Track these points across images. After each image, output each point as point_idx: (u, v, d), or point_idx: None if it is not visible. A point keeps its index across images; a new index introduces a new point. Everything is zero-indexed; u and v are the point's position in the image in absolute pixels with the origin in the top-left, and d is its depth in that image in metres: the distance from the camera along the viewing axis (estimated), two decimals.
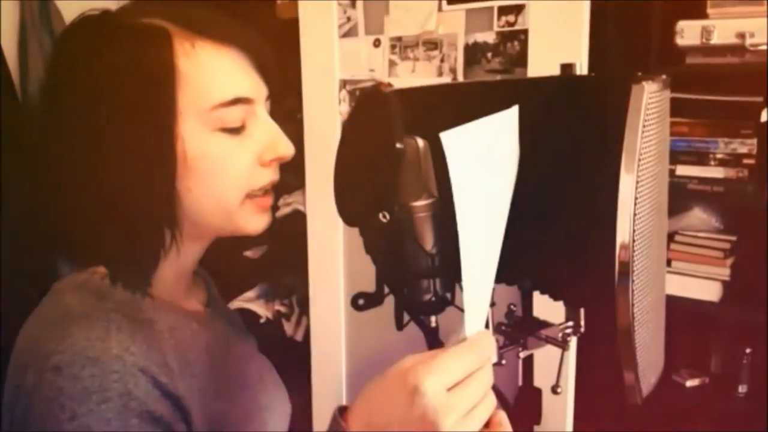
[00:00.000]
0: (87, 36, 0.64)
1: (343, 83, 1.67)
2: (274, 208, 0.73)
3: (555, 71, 0.61)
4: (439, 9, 1.51)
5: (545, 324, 0.65)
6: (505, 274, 0.58)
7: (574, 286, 0.58)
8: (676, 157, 1.55)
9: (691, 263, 1.58)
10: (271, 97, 0.70)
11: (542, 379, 0.68)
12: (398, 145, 0.55)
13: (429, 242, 0.57)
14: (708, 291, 1.58)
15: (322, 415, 1.75)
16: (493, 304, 0.58)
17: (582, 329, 0.61)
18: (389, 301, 0.63)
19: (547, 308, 0.65)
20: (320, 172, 1.68)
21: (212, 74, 0.64)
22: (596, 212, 0.53)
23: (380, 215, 0.56)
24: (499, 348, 0.60)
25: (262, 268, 2.08)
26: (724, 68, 1.50)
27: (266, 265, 2.07)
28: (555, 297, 0.61)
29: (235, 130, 0.65)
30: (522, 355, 0.64)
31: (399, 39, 1.58)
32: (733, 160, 1.52)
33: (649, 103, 0.50)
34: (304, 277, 1.83)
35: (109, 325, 0.62)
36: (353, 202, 0.61)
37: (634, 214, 0.50)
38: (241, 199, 0.67)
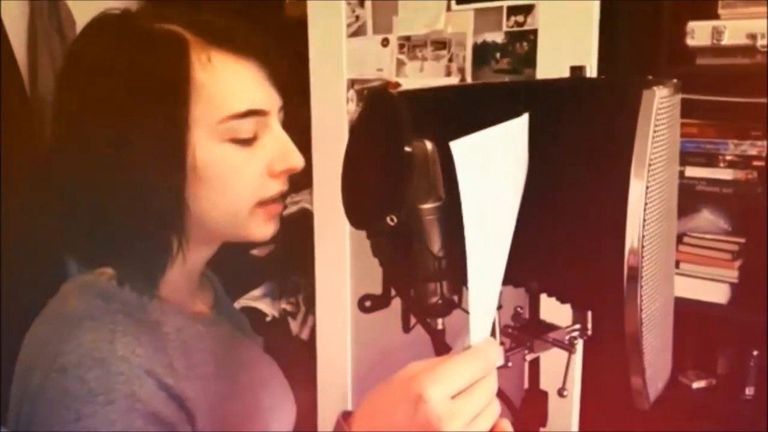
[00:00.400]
0: (105, 38, 0.64)
1: (351, 83, 1.66)
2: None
3: (564, 72, 0.60)
4: (448, 8, 1.51)
5: (552, 327, 0.65)
6: (512, 276, 0.57)
7: (581, 289, 0.58)
8: (685, 158, 1.54)
9: (699, 265, 1.58)
10: (284, 108, 0.70)
11: (548, 381, 0.68)
12: (407, 149, 0.55)
13: (436, 245, 0.57)
14: (716, 293, 1.57)
15: (327, 413, 1.76)
16: (499, 307, 0.58)
17: (589, 332, 0.61)
18: (395, 303, 0.63)
19: (555, 311, 0.65)
20: (328, 170, 1.68)
21: (227, 86, 0.64)
22: (605, 216, 0.52)
23: (388, 218, 0.56)
24: (506, 350, 0.60)
25: (269, 267, 2.08)
26: (734, 69, 1.49)
27: (273, 263, 2.07)
28: (562, 300, 0.61)
29: (247, 141, 0.65)
30: (528, 357, 0.64)
31: (407, 38, 1.57)
32: (742, 162, 1.52)
33: (660, 108, 0.50)
34: (311, 275, 1.84)
35: (115, 327, 0.62)
36: (361, 205, 0.61)
37: (644, 219, 0.50)
38: (250, 208, 0.67)
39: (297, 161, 0.68)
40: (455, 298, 0.60)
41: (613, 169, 0.51)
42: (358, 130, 0.64)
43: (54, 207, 0.67)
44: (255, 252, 2.08)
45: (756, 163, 1.50)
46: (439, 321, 0.60)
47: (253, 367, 0.79)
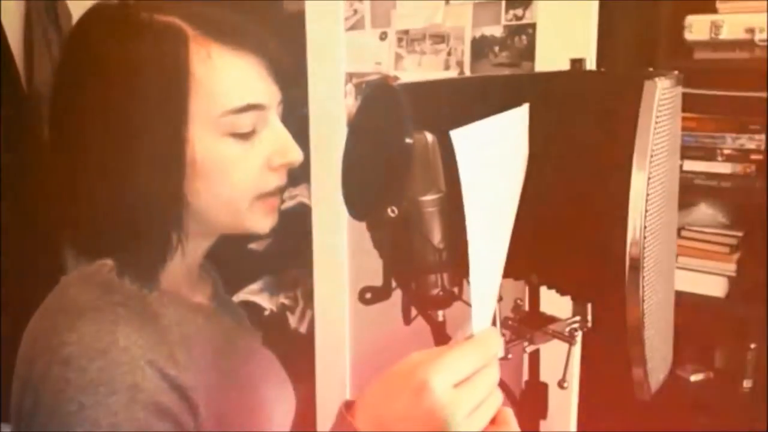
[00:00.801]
0: (102, 29, 0.63)
1: (349, 76, 1.66)
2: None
3: (563, 65, 0.60)
4: (447, 2, 1.51)
5: (552, 319, 0.65)
6: (512, 269, 0.58)
7: (582, 281, 0.58)
8: (683, 152, 1.54)
9: (697, 258, 1.58)
10: (283, 101, 0.69)
11: (548, 373, 0.68)
12: (408, 140, 0.55)
13: (437, 237, 0.57)
14: (714, 286, 1.57)
15: (326, 407, 1.76)
16: (500, 299, 0.58)
17: (589, 324, 0.61)
18: (394, 296, 0.63)
19: (554, 302, 0.65)
20: (325, 165, 1.67)
21: (226, 80, 0.63)
22: (606, 207, 0.53)
23: (389, 210, 0.56)
24: (506, 342, 0.60)
25: (267, 261, 2.08)
26: (732, 63, 1.49)
27: (271, 257, 2.07)
28: (562, 292, 0.61)
29: (246, 135, 0.65)
30: (529, 349, 0.64)
31: (406, 32, 1.57)
32: (740, 156, 1.52)
33: (662, 99, 0.50)
34: (309, 269, 1.83)
35: (117, 318, 0.62)
36: (362, 197, 0.61)
37: (645, 211, 0.50)
38: (249, 202, 0.67)
39: (296, 156, 0.68)
40: (456, 289, 0.60)
41: (614, 161, 0.51)
42: (358, 121, 0.64)
43: (53, 200, 0.67)
44: (253, 246, 2.08)
45: (754, 156, 1.50)
46: (440, 312, 0.60)
47: (254, 360, 0.79)
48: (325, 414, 1.70)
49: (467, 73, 1.49)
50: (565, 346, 0.63)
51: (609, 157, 0.52)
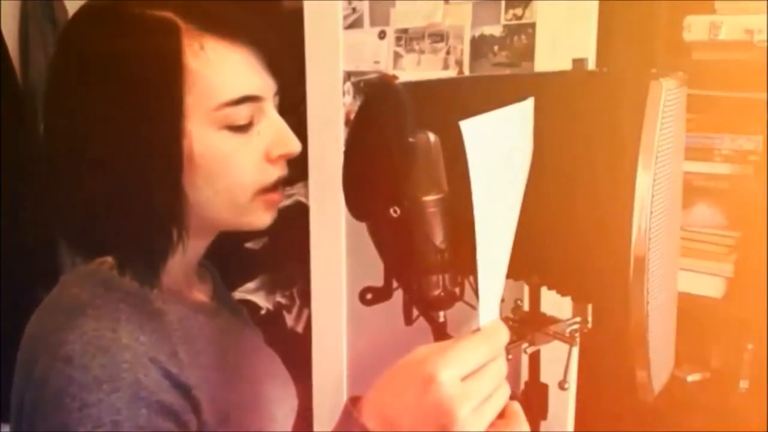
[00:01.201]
0: (95, 25, 0.63)
1: (348, 75, 1.66)
2: None
3: (563, 65, 0.60)
4: (446, 1, 1.50)
5: (553, 320, 0.65)
6: (513, 269, 0.57)
7: (583, 282, 0.58)
8: None
9: (694, 259, 1.58)
10: (279, 92, 0.69)
11: (547, 373, 0.68)
12: (410, 139, 0.54)
13: (439, 237, 0.57)
14: (711, 287, 1.57)
15: (322, 407, 1.76)
16: (501, 300, 0.58)
17: (589, 325, 0.61)
18: (393, 296, 0.62)
19: (555, 304, 0.65)
20: (323, 163, 1.67)
21: (221, 73, 0.63)
22: (609, 209, 0.52)
23: (391, 210, 0.56)
24: (507, 343, 0.60)
25: (263, 260, 2.07)
26: (731, 64, 1.49)
27: (267, 256, 2.06)
28: (563, 293, 0.61)
29: (242, 128, 0.65)
30: (529, 350, 0.64)
31: (405, 31, 1.57)
32: (738, 156, 1.52)
33: (667, 100, 0.50)
34: (306, 268, 1.83)
35: (119, 315, 0.62)
36: (363, 197, 0.60)
37: (651, 212, 0.50)
38: (250, 195, 0.67)
39: (294, 146, 0.68)
40: (457, 290, 0.60)
41: (619, 161, 0.51)
42: (359, 120, 0.63)
43: (50, 197, 0.66)
44: (249, 245, 2.07)
45: (752, 157, 1.50)
46: (441, 313, 0.60)
47: (256, 358, 0.79)
48: (322, 414, 1.70)
49: (466, 72, 1.49)
50: (565, 346, 0.63)
51: (614, 158, 0.52)
